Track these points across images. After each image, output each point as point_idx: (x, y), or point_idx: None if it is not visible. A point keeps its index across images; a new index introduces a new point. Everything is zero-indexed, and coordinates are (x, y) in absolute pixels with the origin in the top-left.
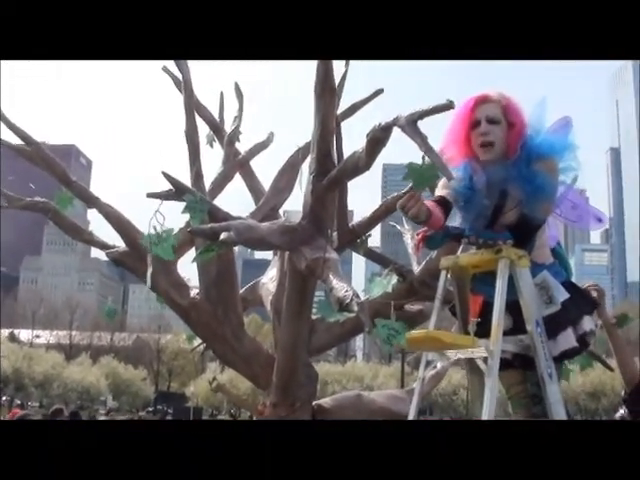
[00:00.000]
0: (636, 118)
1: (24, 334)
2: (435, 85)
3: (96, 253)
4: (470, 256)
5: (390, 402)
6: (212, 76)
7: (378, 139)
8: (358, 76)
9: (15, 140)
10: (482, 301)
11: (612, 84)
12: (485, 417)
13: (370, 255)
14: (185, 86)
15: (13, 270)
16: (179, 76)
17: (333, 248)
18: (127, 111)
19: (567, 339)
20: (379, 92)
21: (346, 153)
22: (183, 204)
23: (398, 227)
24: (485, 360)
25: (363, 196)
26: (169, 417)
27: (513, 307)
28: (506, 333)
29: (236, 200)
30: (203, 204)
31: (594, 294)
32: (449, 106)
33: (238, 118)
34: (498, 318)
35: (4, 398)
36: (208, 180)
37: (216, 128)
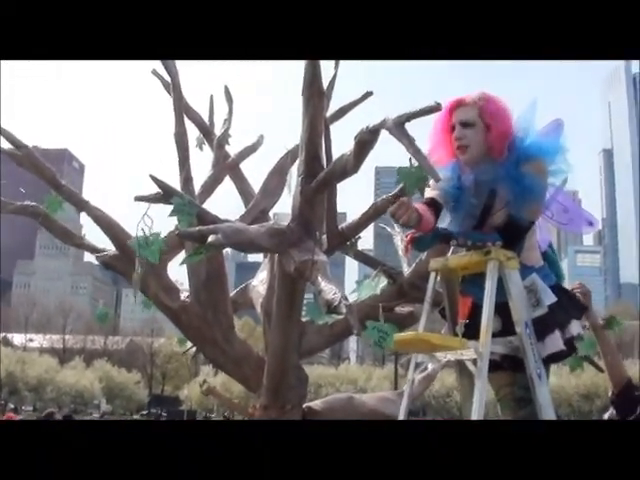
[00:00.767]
0: (628, 120)
1: (17, 338)
2: (420, 86)
3: (89, 257)
4: (459, 258)
5: (381, 404)
6: (202, 78)
7: (366, 142)
8: (349, 78)
9: (4, 144)
10: (471, 303)
11: (604, 86)
12: (474, 419)
13: (360, 257)
14: (174, 89)
15: (6, 274)
16: (168, 79)
17: (322, 250)
18: (120, 114)
19: (554, 342)
20: (368, 95)
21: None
22: (171, 207)
23: (388, 229)
24: (474, 362)
25: (356, 199)
26: None
27: (502, 309)
28: (495, 335)
29: (226, 203)
30: (191, 207)
31: (579, 294)
32: (436, 108)
33: (228, 121)
34: (487, 320)
35: None
36: (198, 183)
37: (206, 131)
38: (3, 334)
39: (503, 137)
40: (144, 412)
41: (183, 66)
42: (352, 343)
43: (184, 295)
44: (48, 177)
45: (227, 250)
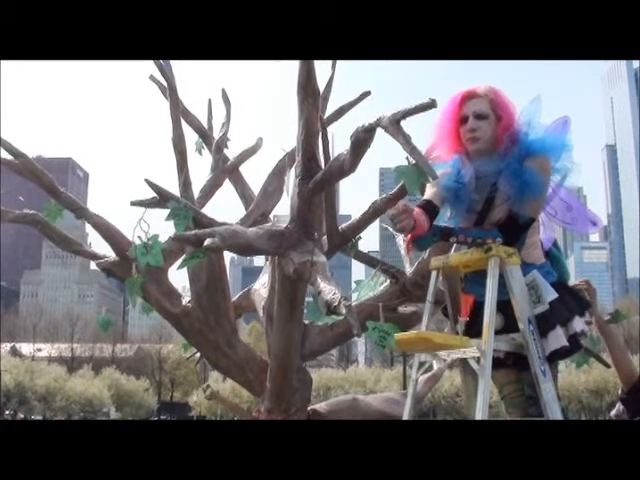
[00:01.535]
0: (630, 115)
1: (26, 348)
2: (420, 86)
3: (95, 265)
4: (460, 255)
5: (386, 405)
6: (199, 82)
7: (361, 140)
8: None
9: (3, 154)
10: (473, 301)
11: (606, 81)
12: (479, 417)
13: (361, 258)
14: (170, 94)
15: (13, 284)
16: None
17: (323, 252)
18: (123, 121)
19: (557, 339)
20: (366, 94)
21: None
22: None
23: (390, 229)
24: (478, 360)
25: (361, 201)
26: None
27: (504, 306)
28: (498, 332)
29: (226, 206)
30: (187, 210)
31: (584, 290)
32: (432, 105)
33: (226, 124)
34: (489, 317)
35: (7, 412)
36: (197, 188)
37: (204, 135)
38: (12, 344)
39: (508, 127)
40: (154, 419)
41: (180, 70)
42: (360, 345)
43: (185, 300)
44: (47, 185)
45: (233, 255)
